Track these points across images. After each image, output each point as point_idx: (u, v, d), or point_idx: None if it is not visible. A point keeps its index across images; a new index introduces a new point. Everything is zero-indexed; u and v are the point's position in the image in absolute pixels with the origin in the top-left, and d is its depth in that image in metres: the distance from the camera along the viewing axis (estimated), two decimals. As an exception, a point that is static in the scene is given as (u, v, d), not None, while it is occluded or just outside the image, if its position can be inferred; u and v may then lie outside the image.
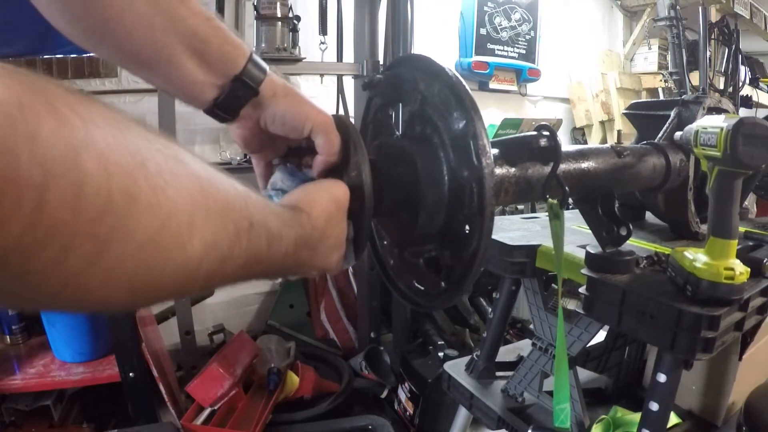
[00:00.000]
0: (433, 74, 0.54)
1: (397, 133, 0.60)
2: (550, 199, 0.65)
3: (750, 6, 3.81)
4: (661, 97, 3.54)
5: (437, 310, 2.08)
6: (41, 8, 0.46)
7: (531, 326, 1.04)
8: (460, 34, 3.10)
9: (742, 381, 0.94)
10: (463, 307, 2.15)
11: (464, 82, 0.52)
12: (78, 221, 0.23)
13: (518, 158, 0.63)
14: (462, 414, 1.21)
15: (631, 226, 0.77)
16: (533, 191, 0.65)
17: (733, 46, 3.21)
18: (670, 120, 0.96)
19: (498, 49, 3.16)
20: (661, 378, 0.75)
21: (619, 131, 3.51)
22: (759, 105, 4.20)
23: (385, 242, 0.68)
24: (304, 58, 2.02)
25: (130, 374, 1.54)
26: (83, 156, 0.23)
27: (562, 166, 0.68)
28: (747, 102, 3.65)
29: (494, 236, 0.95)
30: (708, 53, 2.83)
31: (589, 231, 0.80)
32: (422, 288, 0.62)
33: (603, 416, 0.95)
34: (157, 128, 0.31)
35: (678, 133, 0.80)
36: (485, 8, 3.08)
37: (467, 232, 0.52)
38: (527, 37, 3.28)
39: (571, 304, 0.92)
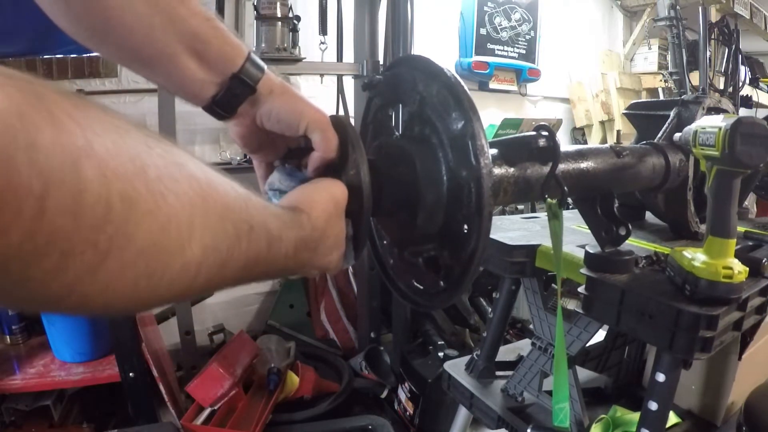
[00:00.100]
0: (431, 75, 0.54)
1: (396, 133, 0.60)
2: (548, 199, 0.65)
3: (750, 6, 3.81)
4: (661, 97, 3.54)
5: (436, 310, 2.09)
6: (44, 7, 0.47)
7: (531, 326, 1.04)
8: (460, 34, 3.10)
9: (741, 381, 0.94)
10: (463, 307, 2.15)
11: (462, 83, 0.52)
12: (78, 228, 0.23)
13: (517, 158, 0.64)
14: (462, 414, 1.21)
15: (630, 226, 0.77)
16: (532, 191, 0.65)
17: (733, 46, 3.21)
18: (669, 120, 0.96)
19: (498, 49, 3.16)
20: (660, 377, 0.75)
21: (618, 131, 3.51)
22: (759, 105, 4.20)
23: (385, 242, 0.68)
24: (304, 58, 2.02)
25: (130, 374, 1.55)
26: (82, 163, 0.23)
27: (561, 166, 0.68)
28: (747, 102, 3.65)
29: (494, 236, 0.95)
30: (708, 53, 2.83)
31: (589, 231, 0.80)
32: (421, 287, 0.62)
33: (602, 416, 0.95)
34: (157, 131, 0.32)
35: (677, 134, 0.80)
36: (485, 8, 3.08)
37: (466, 231, 0.52)
38: (527, 37, 3.28)
39: (571, 304, 0.92)
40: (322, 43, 2.15)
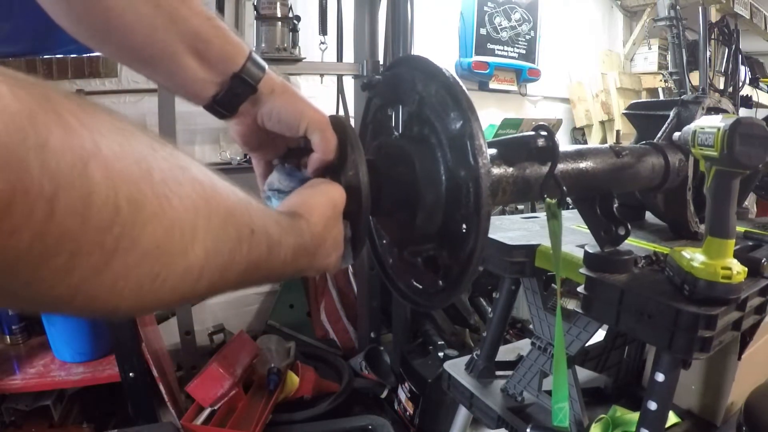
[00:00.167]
0: (430, 75, 0.54)
1: (396, 133, 0.61)
2: (548, 199, 0.65)
3: (750, 6, 3.81)
4: (661, 97, 3.54)
5: (436, 309, 2.09)
6: (46, 7, 0.47)
7: (531, 326, 1.04)
8: (460, 34, 3.10)
9: (741, 381, 0.94)
10: (463, 307, 2.15)
11: (461, 83, 0.52)
12: (86, 230, 0.23)
13: (516, 158, 0.64)
14: (462, 413, 1.21)
15: (629, 226, 0.77)
16: (531, 191, 0.65)
17: (733, 46, 3.21)
18: (669, 120, 0.96)
19: (498, 49, 3.16)
20: (660, 377, 0.75)
21: (618, 131, 3.51)
22: (759, 105, 4.20)
23: (385, 241, 0.68)
24: (304, 58, 2.02)
25: (130, 374, 1.55)
26: (91, 166, 0.23)
27: (560, 166, 0.68)
28: (747, 102, 3.65)
29: (494, 236, 0.95)
30: (708, 53, 2.84)
31: (588, 231, 0.80)
32: (421, 287, 0.62)
33: (602, 415, 0.95)
34: (159, 133, 0.32)
35: (676, 134, 0.81)
36: (485, 8, 3.08)
37: (464, 231, 0.52)
38: (527, 37, 3.28)
39: (571, 304, 0.92)
40: (322, 43, 2.15)
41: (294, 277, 0.48)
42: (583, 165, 0.73)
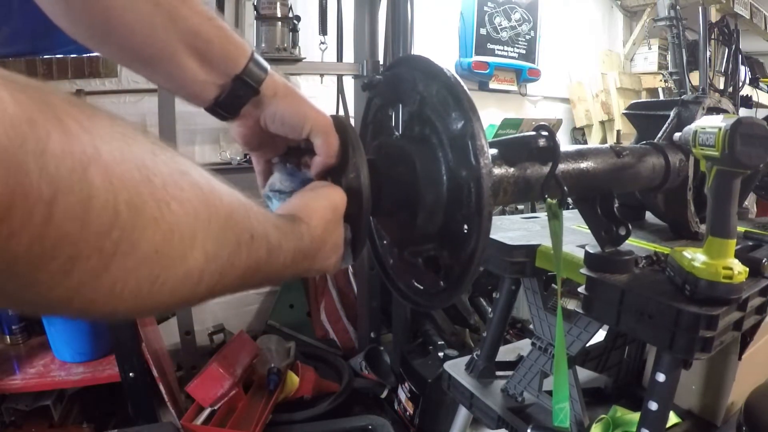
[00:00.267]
0: (431, 75, 0.54)
1: (396, 133, 0.60)
2: (548, 199, 0.65)
3: (750, 6, 3.81)
4: (661, 97, 3.54)
5: (436, 309, 2.08)
6: (44, 8, 0.46)
7: (531, 326, 1.04)
8: (460, 34, 3.10)
9: (741, 381, 0.94)
10: (463, 307, 2.15)
11: (462, 83, 0.52)
12: (85, 234, 0.23)
13: (517, 158, 0.64)
14: (462, 414, 1.21)
15: (630, 226, 0.77)
16: (532, 191, 0.65)
17: (733, 46, 3.21)
18: (669, 120, 0.96)
19: (498, 49, 3.16)
20: (660, 377, 0.75)
21: (618, 131, 3.51)
22: (759, 105, 4.20)
23: (385, 242, 0.68)
24: (304, 58, 2.02)
25: (130, 374, 1.55)
26: (91, 170, 0.23)
27: (561, 166, 0.68)
28: (747, 102, 3.65)
29: (494, 236, 0.95)
30: (708, 53, 2.83)
31: (589, 231, 0.80)
32: (421, 287, 0.62)
33: (602, 416, 0.95)
34: (159, 134, 0.32)
35: (677, 134, 0.80)
36: (485, 8, 3.08)
37: (465, 231, 0.52)
38: (527, 37, 3.28)
39: (571, 304, 0.92)
40: (322, 43, 2.15)
41: (294, 279, 0.48)
42: (583, 165, 0.73)
